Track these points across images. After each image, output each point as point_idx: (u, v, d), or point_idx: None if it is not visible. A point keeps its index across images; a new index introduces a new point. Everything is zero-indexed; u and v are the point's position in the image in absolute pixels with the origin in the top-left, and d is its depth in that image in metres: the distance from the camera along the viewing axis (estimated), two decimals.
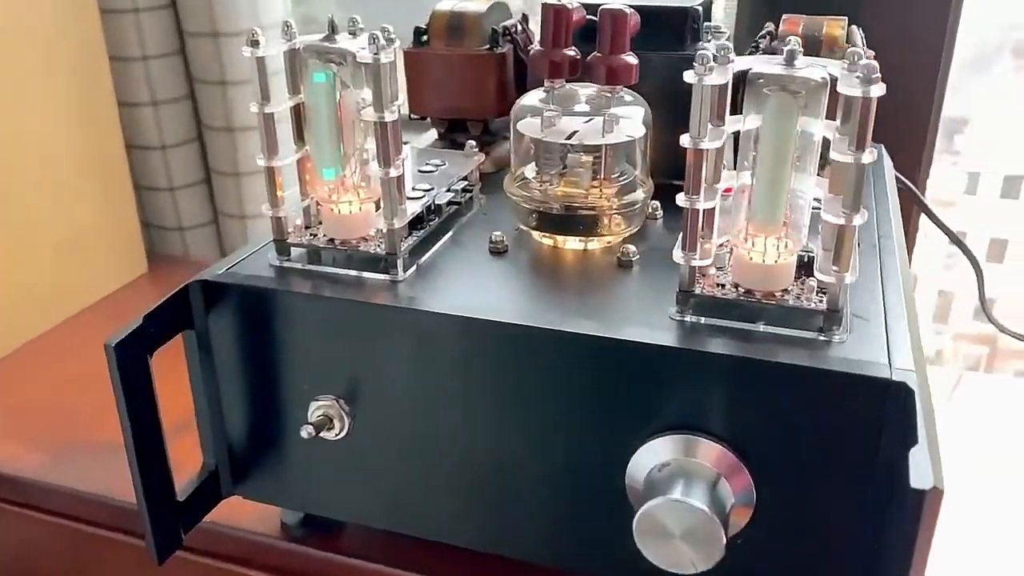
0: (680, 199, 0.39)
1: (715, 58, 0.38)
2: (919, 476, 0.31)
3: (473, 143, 0.55)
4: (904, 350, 0.38)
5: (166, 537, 0.46)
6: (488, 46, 0.59)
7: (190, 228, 0.97)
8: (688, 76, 0.37)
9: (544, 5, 0.48)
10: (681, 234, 0.40)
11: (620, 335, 0.40)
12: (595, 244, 0.49)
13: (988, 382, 0.73)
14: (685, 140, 0.38)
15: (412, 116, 0.62)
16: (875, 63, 0.35)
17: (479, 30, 0.59)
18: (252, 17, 0.87)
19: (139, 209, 0.95)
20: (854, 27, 0.56)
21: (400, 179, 0.45)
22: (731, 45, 0.38)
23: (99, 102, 0.82)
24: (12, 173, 0.74)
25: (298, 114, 0.46)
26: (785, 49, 0.38)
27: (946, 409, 0.70)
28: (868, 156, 0.36)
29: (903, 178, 0.73)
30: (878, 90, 0.35)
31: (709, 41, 0.59)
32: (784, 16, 0.56)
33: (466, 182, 0.54)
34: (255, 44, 0.43)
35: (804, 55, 0.51)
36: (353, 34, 0.45)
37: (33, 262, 0.77)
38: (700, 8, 0.55)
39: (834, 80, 0.37)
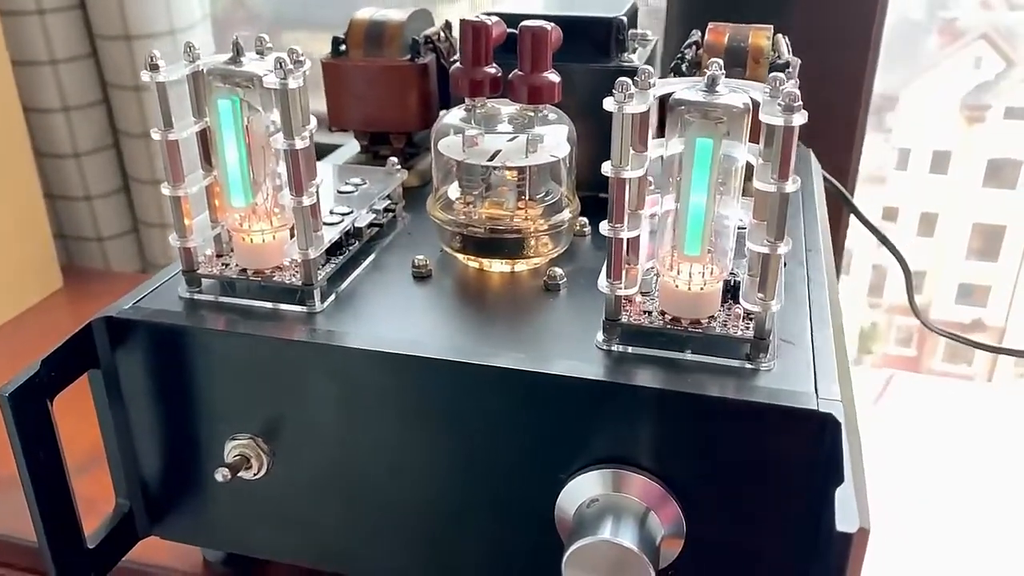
0: (603, 227, 0.38)
1: (636, 82, 0.37)
2: (845, 518, 0.31)
3: (395, 159, 0.53)
4: (830, 378, 0.38)
5: None
6: (409, 56, 0.57)
7: (109, 238, 0.93)
8: (607, 104, 0.36)
9: (463, 21, 0.46)
10: (605, 263, 0.39)
11: (544, 368, 0.39)
12: (522, 266, 0.48)
13: (916, 383, 0.74)
14: (607, 168, 0.37)
15: (332, 129, 0.60)
16: (796, 91, 0.34)
17: (399, 39, 0.57)
18: (167, 19, 0.84)
19: (54, 220, 0.91)
20: (780, 36, 0.56)
21: (315, 207, 0.43)
22: (652, 69, 0.37)
23: (2, 113, 0.78)
24: None
25: (204, 138, 0.44)
26: (707, 74, 0.37)
27: (871, 412, 0.70)
28: (791, 185, 0.36)
29: (832, 179, 0.74)
30: (800, 119, 0.34)
31: (635, 51, 0.58)
32: (710, 25, 0.55)
33: (388, 201, 0.52)
34: (155, 68, 0.41)
35: (729, 66, 0.50)
36: (261, 54, 0.43)
37: None
38: (624, 18, 0.54)
39: (757, 105, 0.36)
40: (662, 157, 0.38)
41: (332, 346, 0.41)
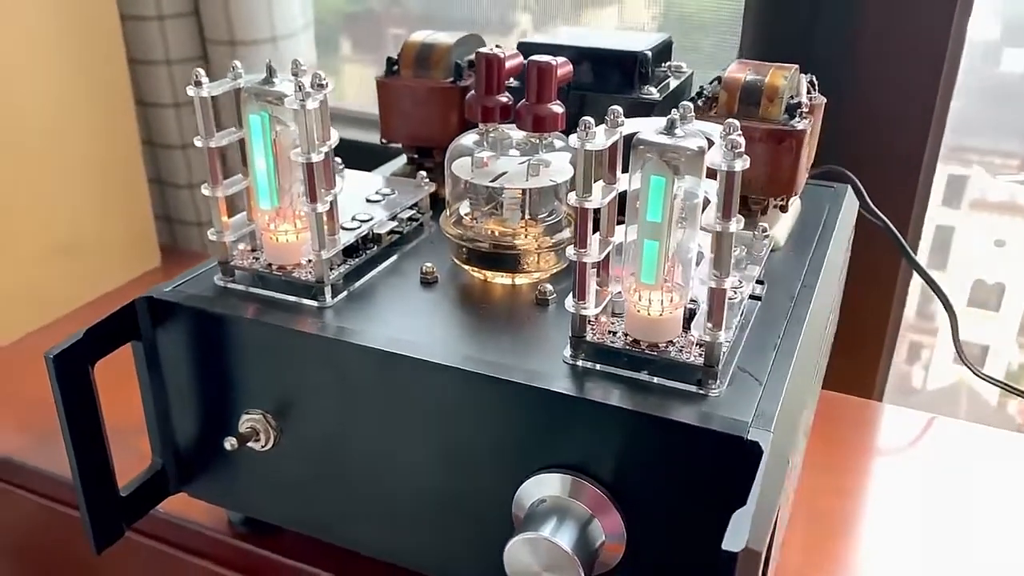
0: (569, 252, 0.42)
1: (608, 120, 0.40)
2: (731, 538, 0.33)
3: (424, 172, 0.58)
4: (771, 409, 0.40)
5: (104, 529, 0.50)
6: (452, 79, 0.61)
7: (208, 223, 1.02)
8: (572, 140, 0.39)
9: (477, 54, 0.50)
10: (573, 284, 0.42)
11: (505, 376, 0.42)
12: (523, 280, 0.52)
13: (956, 428, 0.73)
14: (571, 198, 0.40)
15: (383, 141, 0.65)
16: (740, 139, 0.37)
17: (446, 62, 0.62)
18: (269, 27, 0.92)
19: (160, 204, 1.01)
20: (803, 76, 0.57)
21: (329, 212, 0.48)
22: (620, 110, 0.40)
23: (116, 103, 0.87)
24: (28, 167, 0.80)
25: (244, 147, 0.50)
26: (667, 117, 0.40)
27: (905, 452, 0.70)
28: (734, 225, 0.38)
29: (883, 216, 0.74)
30: (741, 164, 0.37)
31: (666, 83, 0.61)
32: (736, 61, 0.57)
33: (413, 211, 0.57)
34: (199, 84, 0.47)
35: (744, 103, 0.53)
36: (295, 74, 0.48)
37: (45, 254, 0.82)
38: (649, 53, 0.57)
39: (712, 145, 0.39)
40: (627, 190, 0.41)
41: (328, 338, 0.46)
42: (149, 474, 0.53)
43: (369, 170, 0.63)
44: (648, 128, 0.40)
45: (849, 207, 0.65)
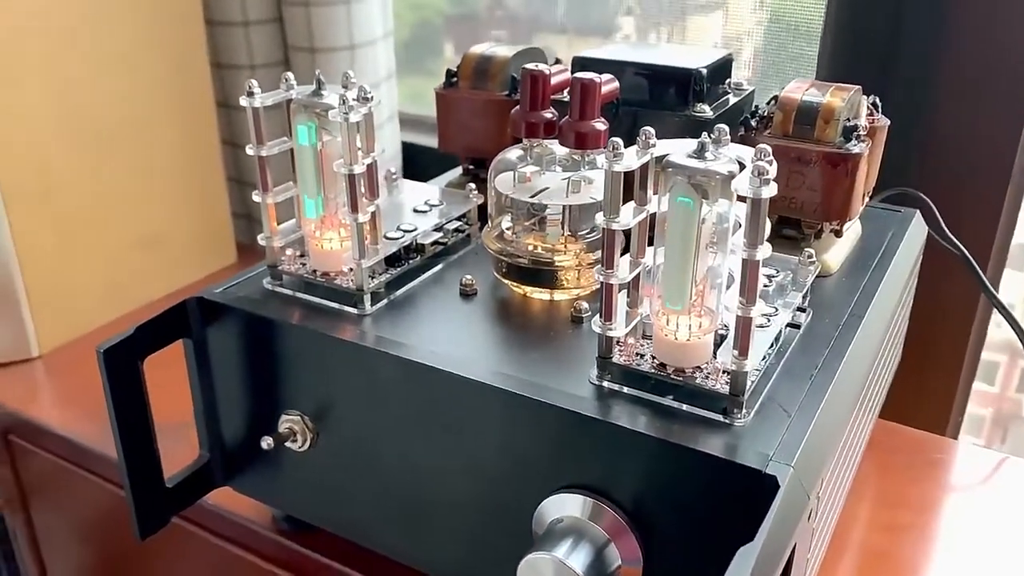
0: (596, 272, 0.41)
1: (640, 141, 0.40)
2: (734, 573, 0.32)
3: (473, 185, 0.59)
4: (794, 444, 0.39)
5: (149, 517, 0.52)
6: (507, 92, 0.62)
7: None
8: (599, 160, 0.39)
9: (523, 70, 0.50)
10: (600, 304, 0.42)
11: (530, 394, 0.42)
12: (561, 296, 0.52)
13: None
14: (599, 218, 0.40)
15: (441, 151, 0.66)
16: (769, 166, 0.36)
17: (503, 75, 0.62)
18: (347, 35, 0.94)
19: (240, 203, 1.05)
20: (865, 97, 0.56)
21: (371, 222, 0.49)
22: (651, 130, 0.40)
23: (198, 104, 0.91)
24: (114, 165, 0.84)
25: (293, 154, 0.51)
26: (698, 140, 0.39)
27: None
28: (761, 252, 0.37)
29: (958, 243, 0.71)
30: (768, 191, 0.36)
31: (727, 96, 0.60)
32: (795, 81, 0.55)
33: (460, 222, 0.57)
34: (251, 95, 0.48)
35: (799, 123, 0.51)
36: (346, 87, 0.49)
37: (128, 248, 0.87)
38: (704, 70, 0.56)
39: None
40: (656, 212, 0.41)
41: (362, 346, 0.47)
42: (195, 467, 0.55)
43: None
44: (679, 150, 0.40)
45: (915, 233, 0.63)
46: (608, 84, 0.50)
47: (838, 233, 0.55)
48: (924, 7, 0.73)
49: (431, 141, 1.08)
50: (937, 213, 0.70)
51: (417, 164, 1.03)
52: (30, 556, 0.83)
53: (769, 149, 0.37)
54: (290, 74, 0.50)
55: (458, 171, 0.68)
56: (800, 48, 0.88)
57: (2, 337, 0.79)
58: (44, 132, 0.77)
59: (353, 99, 0.46)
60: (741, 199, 0.38)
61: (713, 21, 0.95)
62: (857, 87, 0.55)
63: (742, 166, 0.39)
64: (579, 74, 0.49)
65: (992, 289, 0.71)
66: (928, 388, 0.83)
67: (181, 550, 0.67)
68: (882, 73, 0.77)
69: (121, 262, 0.86)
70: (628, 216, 0.40)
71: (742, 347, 0.39)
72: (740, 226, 0.40)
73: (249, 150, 0.50)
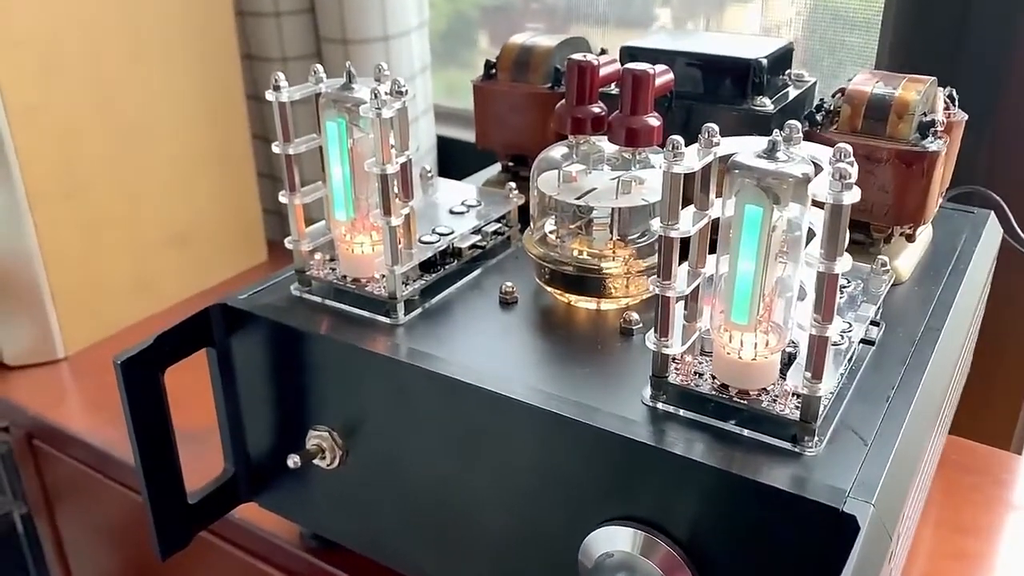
0: (651, 284, 0.38)
1: (703, 139, 0.36)
2: None
3: (513, 184, 0.55)
4: (874, 478, 0.35)
5: (170, 535, 0.49)
6: (550, 84, 0.58)
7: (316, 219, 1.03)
8: (656, 161, 0.35)
9: (569, 60, 0.47)
10: (655, 319, 0.38)
11: (577, 416, 0.39)
12: (608, 305, 0.48)
13: None
14: (655, 225, 0.36)
15: (479, 148, 0.62)
16: (851, 168, 0.32)
17: (545, 66, 0.59)
18: (381, 26, 0.90)
19: (272, 199, 1.02)
20: (941, 89, 0.51)
21: (405, 225, 0.46)
22: (715, 127, 0.36)
23: (227, 100, 0.88)
24: (142, 163, 0.81)
25: (322, 152, 0.48)
26: (768, 138, 0.35)
27: None
28: (840, 265, 0.33)
29: None
30: (850, 197, 0.32)
31: (784, 92, 0.55)
32: (863, 71, 0.51)
33: (500, 224, 0.54)
34: (277, 89, 0.45)
35: (870, 119, 0.47)
36: (378, 80, 0.46)
37: (153, 247, 0.84)
38: (764, 60, 0.52)
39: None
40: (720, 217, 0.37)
41: (394, 359, 0.44)
42: (220, 482, 0.52)
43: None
44: (747, 149, 0.36)
45: (990, 236, 0.58)
46: (662, 76, 0.46)
47: (910, 238, 0.51)
48: None
49: (468, 135, 1.05)
50: (1010, 213, 0.65)
51: (453, 160, 1.00)
52: (56, 560, 0.81)
53: (850, 149, 0.33)
54: (319, 66, 0.47)
55: (496, 168, 0.64)
56: (842, 37, 0.83)
57: (27, 338, 0.77)
58: (72, 130, 0.75)
59: (386, 93, 0.42)
60: (816, 204, 0.35)
61: (752, 10, 0.90)
62: (932, 79, 0.50)
63: (817, 167, 0.35)
64: (630, 65, 0.45)
65: None
66: (994, 399, 0.78)
67: (206, 562, 0.64)
68: (949, 64, 0.72)
69: (149, 260, 0.84)
70: (688, 222, 0.36)
71: (816, 369, 0.35)
72: (814, 234, 0.36)
73: (275, 148, 0.46)
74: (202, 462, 0.53)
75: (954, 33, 0.71)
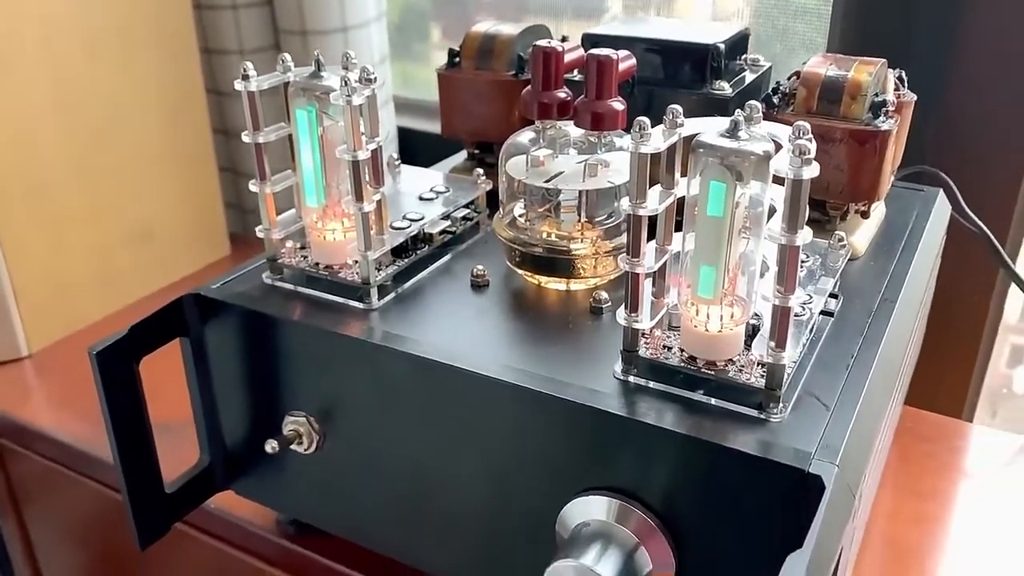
0: (621, 261, 0.39)
1: (667, 120, 0.37)
2: None
3: (481, 170, 0.56)
4: (837, 441, 0.37)
5: (149, 525, 0.50)
6: (514, 72, 0.59)
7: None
8: (624, 143, 0.36)
9: (534, 47, 0.48)
10: (625, 295, 0.40)
11: (551, 391, 0.40)
12: (578, 285, 0.49)
13: None
14: (624, 204, 0.38)
15: (444, 136, 0.63)
16: (810, 144, 0.33)
17: (508, 54, 0.60)
18: (340, 17, 0.91)
19: (233, 193, 1.02)
20: (891, 71, 0.53)
21: (377, 211, 0.46)
22: (679, 108, 0.37)
23: (187, 94, 0.88)
24: (103, 160, 0.81)
25: (292, 141, 0.48)
26: (731, 118, 0.36)
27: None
28: (801, 238, 0.35)
29: (979, 222, 0.68)
30: (809, 172, 0.33)
31: (744, 73, 0.57)
32: (816, 56, 0.53)
33: (468, 210, 0.55)
34: (247, 78, 0.46)
35: (824, 100, 0.49)
36: (346, 68, 0.46)
37: (116, 243, 0.83)
38: (721, 45, 0.53)
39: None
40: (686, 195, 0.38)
41: (370, 343, 0.44)
42: (196, 471, 0.53)
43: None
44: (710, 129, 0.37)
45: (940, 212, 0.60)
46: (625, 61, 0.47)
47: (865, 214, 0.53)
48: None
49: (428, 126, 1.05)
50: (957, 192, 0.68)
51: (415, 150, 1.00)
52: (24, 562, 0.80)
53: (808, 126, 0.34)
54: (287, 55, 0.47)
55: (462, 156, 0.65)
56: (790, 24, 0.85)
57: None
58: (32, 126, 0.74)
59: (355, 81, 0.43)
60: (776, 181, 0.36)
61: (703, 0, 0.92)
62: (883, 61, 0.52)
63: (777, 145, 0.37)
64: (595, 51, 0.46)
65: (1012, 265, 0.69)
66: (946, 370, 0.81)
67: (181, 553, 0.64)
68: (897, 48, 0.74)
69: (113, 256, 0.83)
70: (655, 201, 0.37)
71: (779, 338, 0.37)
72: (775, 210, 0.37)
73: (245, 137, 0.47)
74: (177, 454, 0.53)
75: (902, 18, 0.73)
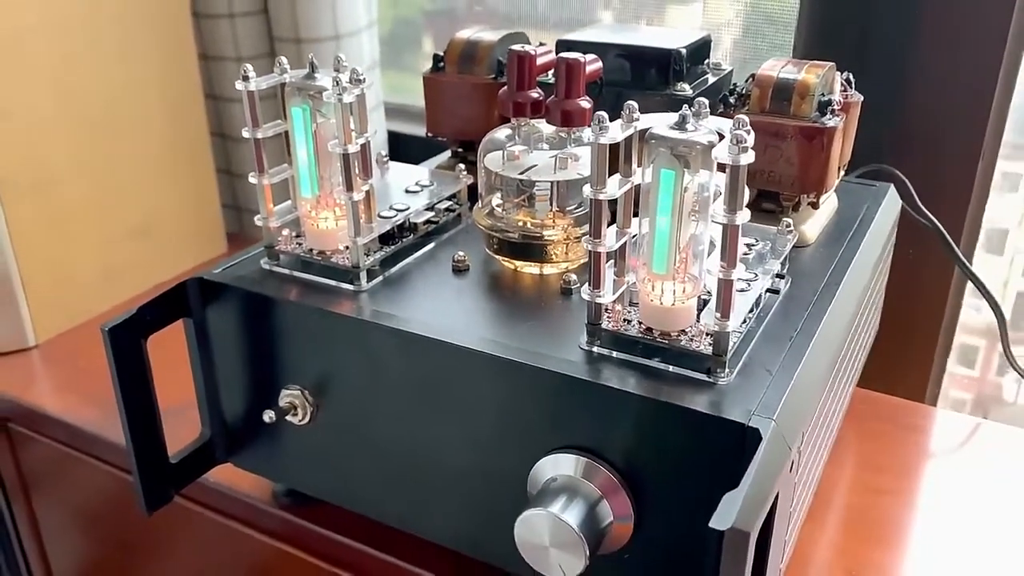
0: (584, 242, 0.43)
1: (624, 115, 0.42)
2: (719, 517, 0.34)
3: (463, 166, 0.60)
4: (775, 400, 0.41)
5: (155, 492, 0.54)
6: (494, 75, 0.63)
7: None
8: (585, 137, 0.41)
9: (510, 51, 0.52)
10: (588, 273, 0.44)
11: (523, 360, 0.44)
12: (550, 269, 0.54)
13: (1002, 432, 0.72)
14: (587, 190, 0.42)
15: (429, 135, 0.68)
16: (747, 135, 0.38)
17: (489, 58, 0.64)
18: (332, 26, 0.95)
19: (230, 194, 1.06)
20: (839, 74, 0.58)
21: (366, 201, 0.51)
22: (635, 104, 0.42)
23: (186, 98, 0.92)
24: (107, 160, 0.85)
25: (288, 138, 0.53)
26: (679, 113, 0.41)
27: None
28: (740, 217, 0.39)
29: (930, 216, 0.73)
30: (746, 159, 0.38)
31: (706, 75, 0.62)
32: (771, 60, 0.58)
33: (451, 202, 0.59)
34: (246, 79, 0.50)
35: (777, 100, 0.53)
36: (338, 70, 0.51)
37: (118, 239, 0.88)
38: (683, 51, 0.58)
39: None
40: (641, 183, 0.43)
41: (359, 320, 0.49)
42: (197, 444, 0.57)
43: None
44: (661, 123, 0.42)
45: (889, 205, 0.65)
46: (592, 64, 0.52)
47: (815, 205, 0.57)
48: None
49: (416, 130, 1.10)
50: (911, 188, 0.73)
51: (404, 153, 1.04)
52: (32, 544, 0.84)
53: (747, 119, 0.39)
54: (283, 58, 0.51)
55: (446, 155, 0.69)
56: (781, 37, 0.90)
57: None
58: (41, 125, 0.78)
59: (346, 81, 0.47)
60: (721, 169, 0.41)
61: (692, 12, 0.96)
62: (831, 64, 0.57)
63: (722, 136, 0.41)
64: (564, 54, 0.50)
65: (964, 259, 0.74)
66: (907, 360, 0.85)
67: (184, 529, 0.68)
68: (856, 55, 0.79)
69: (115, 252, 0.87)
70: (614, 187, 0.42)
71: (724, 309, 0.41)
72: (720, 195, 0.42)
73: (245, 132, 0.51)
74: (178, 434, 0.57)
75: (860, 27, 0.78)
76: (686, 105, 0.41)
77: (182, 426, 0.57)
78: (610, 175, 0.42)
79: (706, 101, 0.42)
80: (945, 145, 0.78)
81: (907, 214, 0.71)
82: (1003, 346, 0.74)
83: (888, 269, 0.68)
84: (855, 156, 0.61)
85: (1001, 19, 0.73)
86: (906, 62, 0.77)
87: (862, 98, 0.58)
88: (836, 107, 0.54)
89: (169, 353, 0.55)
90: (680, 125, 0.41)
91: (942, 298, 0.84)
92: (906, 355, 0.85)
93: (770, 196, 0.57)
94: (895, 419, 0.72)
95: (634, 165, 0.43)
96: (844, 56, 0.78)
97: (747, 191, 0.40)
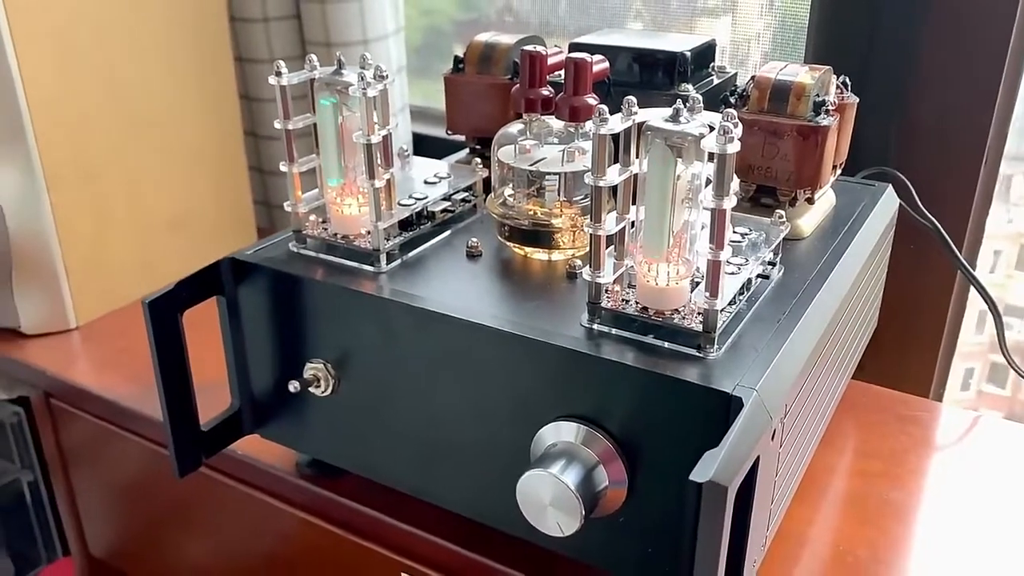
0: (585, 226, 0.47)
1: (624, 109, 0.46)
2: (699, 471, 0.38)
3: (479, 160, 0.64)
4: (758, 372, 0.44)
5: (187, 456, 0.58)
6: (510, 76, 0.67)
7: None
8: (587, 126, 0.44)
9: (522, 51, 0.56)
10: (589, 255, 0.48)
11: (529, 334, 0.48)
12: (558, 255, 0.57)
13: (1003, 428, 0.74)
14: (588, 178, 0.46)
15: (449, 132, 0.72)
16: (734, 126, 0.41)
17: (505, 60, 0.68)
18: (360, 31, 1.00)
19: (260, 190, 1.11)
20: (835, 77, 0.61)
21: (387, 188, 0.55)
22: (633, 99, 0.45)
23: (222, 98, 0.97)
24: (146, 154, 0.90)
25: (316, 129, 0.57)
26: (673, 107, 0.45)
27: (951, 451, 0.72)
28: (728, 203, 0.43)
29: (930, 216, 0.76)
30: (732, 148, 0.41)
31: (711, 78, 0.65)
32: (771, 62, 0.61)
33: (467, 193, 0.63)
34: (279, 75, 0.54)
35: (775, 100, 0.57)
36: (363, 68, 0.55)
37: (156, 230, 0.92)
38: (688, 54, 0.61)
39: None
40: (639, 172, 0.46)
41: (377, 297, 0.53)
42: (227, 414, 0.61)
43: None
44: (656, 116, 0.45)
45: (886, 204, 0.68)
46: (599, 64, 0.55)
47: (811, 201, 0.61)
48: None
49: (438, 131, 1.14)
50: (912, 189, 0.76)
51: (427, 152, 1.08)
52: (70, 519, 0.89)
53: (734, 113, 0.42)
54: (314, 56, 0.56)
55: (464, 152, 0.73)
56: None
57: (43, 309, 0.85)
58: (87, 121, 0.83)
59: (371, 77, 0.51)
60: (712, 159, 0.44)
61: (722, 24, 0.99)
62: (828, 67, 0.60)
63: (712, 129, 0.45)
64: (572, 54, 0.54)
65: (962, 259, 0.76)
66: (913, 353, 0.88)
67: (213, 499, 0.72)
68: (864, 61, 0.82)
69: (152, 242, 0.92)
70: (614, 175, 0.46)
71: (712, 288, 0.45)
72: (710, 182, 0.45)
73: (277, 124, 0.55)
74: (207, 410, 0.61)
75: (867, 34, 0.81)
76: (679, 100, 0.45)
77: (211, 403, 0.61)
78: (611, 164, 0.46)
79: (699, 96, 0.46)
80: (949, 148, 0.81)
81: (911, 217, 0.74)
82: (1000, 346, 0.77)
83: (885, 266, 0.71)
84: (861, 158, 0.65)
85: (1004, 28, 0.75)
86: (912, 68, 0.80)
87: (857, 100, 0.62)
88: (831, 107, 0.57)
89: (201, 335, 0.59)
90: (674, 118, 0.44)
91: (945, 299, 0.87)
92: (912, 350, 0.88)
93: (769, 192, 0.60)
94: (894, 410, 0.75)
95: (633, 156, 0.46)
96: (852, 62, 0.82)
97: (740, 184, 0.43)
